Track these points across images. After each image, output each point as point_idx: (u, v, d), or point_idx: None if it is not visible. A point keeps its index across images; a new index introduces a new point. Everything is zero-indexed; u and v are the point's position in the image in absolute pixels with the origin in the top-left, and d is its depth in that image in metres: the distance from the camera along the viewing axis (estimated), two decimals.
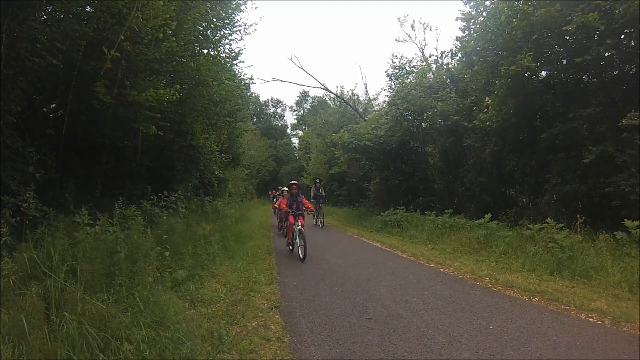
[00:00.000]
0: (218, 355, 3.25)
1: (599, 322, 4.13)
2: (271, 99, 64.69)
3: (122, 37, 5.71)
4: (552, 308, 4.63)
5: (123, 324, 3.14)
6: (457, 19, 12.11)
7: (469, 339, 3.69)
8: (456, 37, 14.38)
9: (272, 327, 4.08)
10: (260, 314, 4.46)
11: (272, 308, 4.74)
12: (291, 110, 65.27)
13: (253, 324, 4.12)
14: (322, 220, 15.86)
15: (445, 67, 16.66)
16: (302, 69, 39.00)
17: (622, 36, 7.81)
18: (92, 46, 6.15)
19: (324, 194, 17.19)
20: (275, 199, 21.72)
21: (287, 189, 12.13)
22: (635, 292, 4.99)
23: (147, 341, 3.07)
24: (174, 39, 7.05)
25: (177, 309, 3.85)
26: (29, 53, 5.23)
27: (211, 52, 9.79)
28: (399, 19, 19.75)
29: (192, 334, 3.38)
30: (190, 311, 4.20)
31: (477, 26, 11.15)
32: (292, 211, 8.93)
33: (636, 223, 6.16)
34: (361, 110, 29.20)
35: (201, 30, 9.22)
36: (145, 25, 6.03)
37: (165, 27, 6.70)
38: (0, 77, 4.92)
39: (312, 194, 16.42)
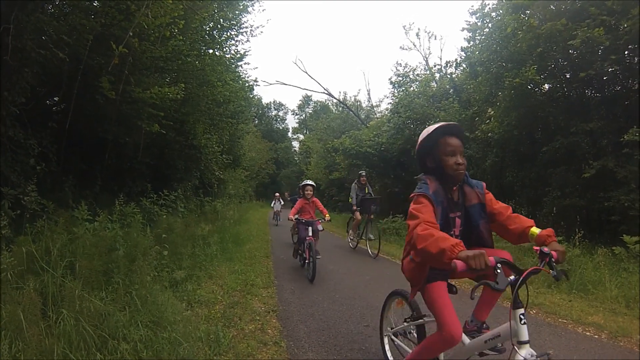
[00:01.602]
0: (215, 357, 3.22)
1: (596, 336, 4.11)
2: (273, 101, 65.03)
3: (131, 34, 5.71)
4: (549, 321, 4.60)
5: (120, 323, 3.11)
6: (463, 30, 12.21)
7: None
8: (461, 47, 14.51)
9: (269, 331, 4.05)
10: (258, 318, 4.42)
11: (269, 312, 4.70)
12: (293, 114, 65.55)
13: (250, 327, 4.09)
14: (379, 246, 9.14)
15: (449, 76, 16.76)
16: (306, 72, 39.37)
17: (626, 52, 7.86)
18: (98, 41, 6.15)
19: (374, 196, 10.29)
20: (277, 203, 20.56)
21: (312, 183, 7.60)
22: (632, 307, 4.99)
23: (145, 341, 3.04)
24: (180, 37, 7.07)
25: (175, 310, 3.82)
26: (35, 45, 5.21)
27: (217, 53, 9.81)
28: (404, 26, 20.05)
29: (189, 336, 3.34)
30: (188, 312, 4.17)
31: (483, 37, 11.24)
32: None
33: (635, 238, 6.17)
34: (363, 116, 29.25)
35: (208, 30, 9.24)
36: (153, 22, 6.05)
37: (172, 26, 6.71)
38: (5, 68, 4.92)
39: (354, 196, 9.93)
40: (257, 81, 14.76)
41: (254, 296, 5.35)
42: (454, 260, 1.75)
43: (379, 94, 72.50)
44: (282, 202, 20.91)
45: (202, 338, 3.49)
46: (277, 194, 21.47)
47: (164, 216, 7.89)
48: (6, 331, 2.67)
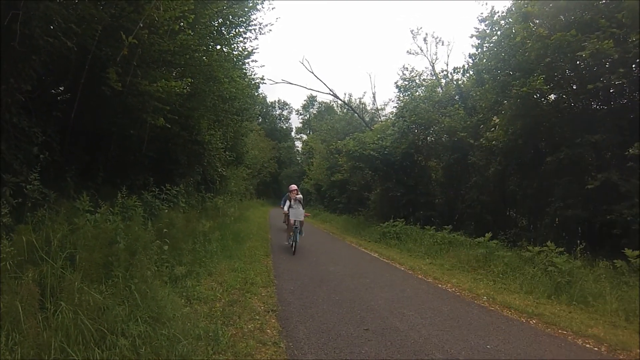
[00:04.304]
0: (214, 356, 3.18)
1: (596, 349, 4.10)
2: (278, 100, 64.89)
3: (141, 25, 5.68)
4: (549, 332, 4.58)
5: (119, 317, 3.08)
6: (471, 36, 12.17)
7: (467, 357, 3.64)
8: (469, 54, 14.50)
9: (269, 331, 4.02)
10: (257, 317, 4.40)
11: (268, 311, 4.67)
12: (297, 114, 65.43)
13: (249, 327, 4.05)
14: None
15: (455, 83, 16.72)
16: (313, 73, 39.40)
17: (634, 65, 7.83)
18: (107, 32, 6.12)
19: None
20: (295, 205, 9.88)
21: None
22: (632, 321, 4.96)
23: (143, 337, 3.01)
24: (189, 32, 7.03)
25: (174, 306, 3.79)
26: (43, 32, 5.17)
27: (224, 49, 9.78)
28: (412, 31, 20.05)
29: (188, 333, 3.31)
30: (187, 309, 4.13)
31: (491, 45, 11.19)
32: None
33: (636, 252, 6.14)
34: (368, 119, 29.19)
35: (217, 26, 9.22)
36: (162, 15, 6.01)
37: (182, 20, 6.68)
38: (12, 54, 4.88)
39: None
40: (264, 79, 14.65)
41: (254, 295, 5.33)
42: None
43: (384, 97, 72.54)
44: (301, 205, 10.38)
45: (201, 336, 3.46)
46: (294, 187, 10.59)
47: (166, 210, 7.85)
48: (3, 322, 2.63)
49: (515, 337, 4.29)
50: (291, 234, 9.98)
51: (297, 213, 9.88)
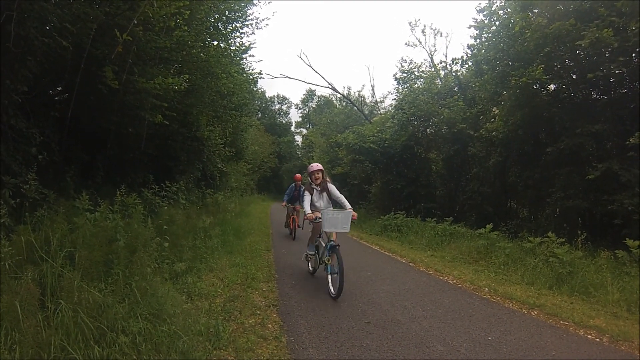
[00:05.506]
0: (214, 352, 3.20)
1: (598, 340, 4.08)
2: (277, 95, 64.63)
3: (135, 22, 5.65)
4: (551, 323, 4.58)
5: (119, 315, 3.08)
6: (470, 27, 12.04)
7: (468, 349, 3.64)
8: (467, 44, 14.46)
9: (270, 325, 4.03)
10: (258, 312, 4.41)
11: (269, 306, 4.68)
12: (296, 108, 65.29)
13: (250, 322, 4.07)
14: None
15: (454, 74, 16.66)
16: (311, 67, 39.38)
17: (634, 54, 7.77)
18: (102, 30, 6.09)
19: None
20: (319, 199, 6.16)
21: None
22: (633, 312, 4.96)
23: (144, 334, 3.02)
24: (185, 28, 6.99)
25: (175, 302, 3.79)
26: (38, 33, 5.15)
27: (221, 45, 9.74)
28: (410, 23, 20.07)
29: (188, 329, 3.33)
30: (187, 305, 4.15)
31: (490, 35, 11.10)
32: None
33: (637, 242, 6.13)
34: (367, 112, 29.20)
35: (213, 22, 9.17)
36: (157, 12, 5.98)
37: (177, 16, 6.64)
38: (8, 56, 4.87)
39: None
40: (262, 74, 14.58)
41: (255, 290, 5.34)
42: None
43: (383, 90, 72.18)
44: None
45: (201, 332, 3.47)
46: (318, 166, 6.42)
47: (166, 207, 7.86)
48: (2, 322, 2.64)
49: (516, 328, 4.29)
50: (323, 259, 5.52)
51: (337, 220, 5.24)
